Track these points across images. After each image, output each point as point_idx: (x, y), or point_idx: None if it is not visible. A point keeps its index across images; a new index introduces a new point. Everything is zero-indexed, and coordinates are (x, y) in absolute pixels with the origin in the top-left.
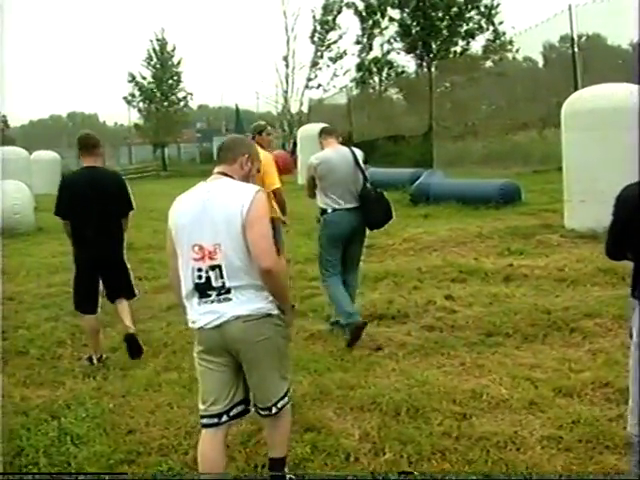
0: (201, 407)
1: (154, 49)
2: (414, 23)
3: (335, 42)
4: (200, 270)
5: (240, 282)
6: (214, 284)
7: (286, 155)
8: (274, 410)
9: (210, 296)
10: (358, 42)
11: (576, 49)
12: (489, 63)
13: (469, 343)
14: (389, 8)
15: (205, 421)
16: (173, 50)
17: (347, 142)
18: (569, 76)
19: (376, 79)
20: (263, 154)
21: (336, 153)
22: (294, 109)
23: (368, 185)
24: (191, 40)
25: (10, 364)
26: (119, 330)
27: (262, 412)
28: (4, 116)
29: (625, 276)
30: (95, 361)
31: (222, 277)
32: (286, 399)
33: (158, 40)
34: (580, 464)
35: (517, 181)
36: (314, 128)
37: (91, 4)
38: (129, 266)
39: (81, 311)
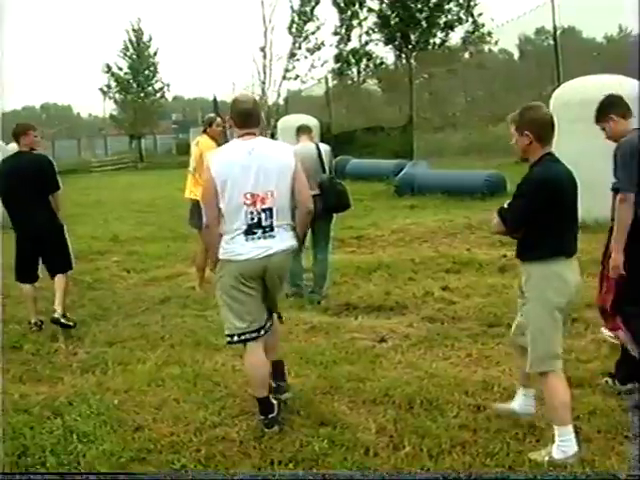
0: (241, 326)
1: (130, 39)
2: (393, 14)
3: (313, 33)
4: (252, 213)
5: (283, 222)
6: (263, 223)
7: None
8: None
9: (256, 233)
10: (336, 33)
11: (553, 42)
12: (468, 55)
13: (472, 334)
14: None
15: (248, 336)
16: (149, 41)
17: (325, 134)
18: (545, 68)
19: (354, 70)
20: (211, 145)
21: (303, 148)
22: (271, 100)
23: (325, 176)
24: (167, 31)
25: (3, 360)
26: (114, 323)
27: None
28: None
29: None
30: (33, 326)
31: (271, 217)
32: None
33: (134, 30)
34: (602, 455)
35: (500, 172)
36: (294, 120)
37: None
38: (68, 240)
39: (20, 281)
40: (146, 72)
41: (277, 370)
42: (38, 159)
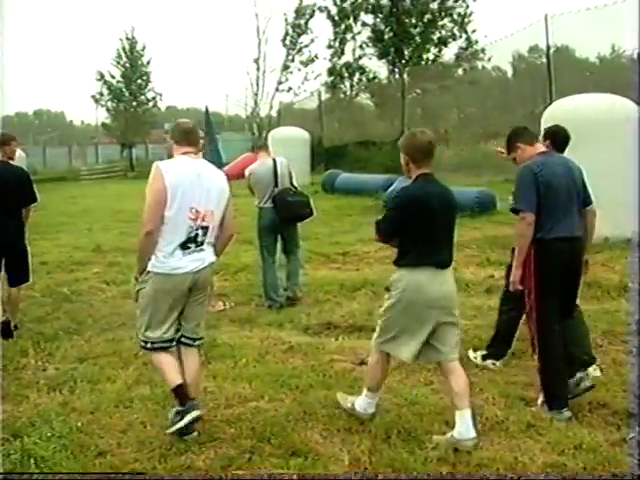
0: (153, 335)
1: (124, 48)
2: (387, 29)
3: (307, 46)
4: (192, 227)
5: (211, 239)
6: (198, 239)
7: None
8: (197, 342)
9: (190, 248)
10: (330, 46)
11: (546, 59)
12: (461, 71)
13: None
14: (362, 13)
15: (159, 345)
16: (143, 49)
17: (316, 147)
18: (538, 86)
19: (347, 84)
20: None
21: (260, 167)
22: (264, 112)
23: (277, 190)
24: (161, 40)
25: None
26: (87, 338)
27: (189, 341)
28: None
29: (610, 290)
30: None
31: (205, 235)
32: (199, 342)
33: (128, 39)
34: None
35: (490, 190)
36: (285, 132)
37: (60, 1)
38: (29, 251)
39: None
40: (139, 81)
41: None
42: (18, 171)
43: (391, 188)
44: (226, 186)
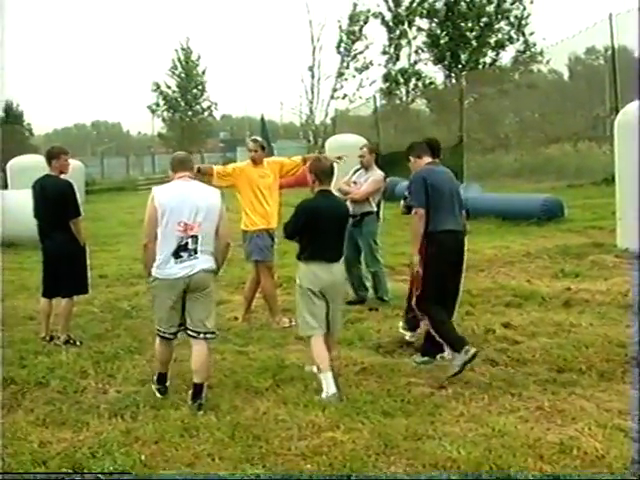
0: (163, 327)
1: (179, 58)
2: (443, 33)
3: (361, 52)
4: (182, 238)
5: (205, 248)
6: (189, 247)
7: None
8: (202, 336)
9: (183, 256)
10: (385, 52)
11: (604, 61)
12: (518, 75)
13: (540, 381)
14: (417, 18)
15: (166, 335)
16: (198, 59)
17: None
18: (595, 89)
19: (403, 90)
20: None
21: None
22: (319, 119)
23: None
24: (216, 49)
25: (28, 398)
26: (149, 358)
27: (193, 334)
28: (28, 124)
29: None
30: (43, 340)
31: (196, 243)
32: (209, 335)
33: (183, 49)
34: None
35: (556, 196)
36: (342, 139)
37: (117, 13)
38: (87, 264)
39: (42, 296)
40: (194, 91)
41: (195, 390)
42: (62, 186)
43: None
44: (216, 201)
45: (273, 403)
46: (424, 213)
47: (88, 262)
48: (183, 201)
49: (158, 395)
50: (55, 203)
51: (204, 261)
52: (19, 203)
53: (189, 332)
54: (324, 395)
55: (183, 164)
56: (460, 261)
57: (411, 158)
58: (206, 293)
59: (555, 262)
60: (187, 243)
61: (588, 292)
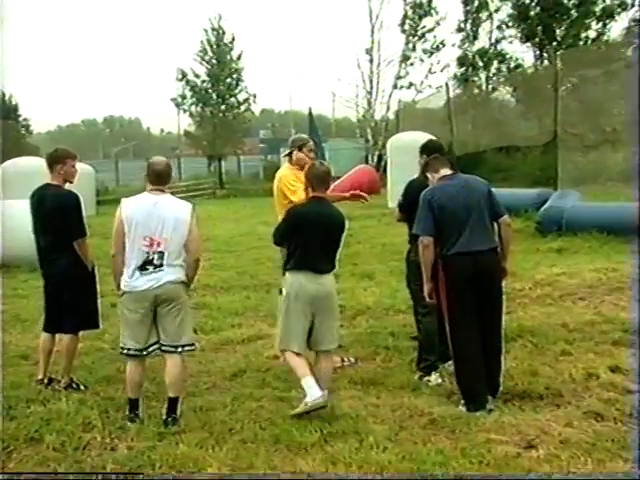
0: (129, 344)
1: (209, 40)
2: (532, 3)
3: (431, 30)
4: (147, 253)
5: (172, 262)
6: (155, 262)
7: (371, 171)
8: (179, 349)
9: (148, 269)
10: (460, 29)
11: None
12: (631, 52)
13: None
14: None
15: (132, 353)
16: (232, 42)
17: (450, 154)
18: None
19: (482, 76)
20: (294, 180)
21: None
22: (379, 114)
23: None
24: (253, 30)
25: (15, 458)
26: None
27: (169, 349)
28: (25, 120)
29: None
30: (38, 384)
31: (162, 259)
32: (187, 348)
33: (214, 30)
34: None
35: None
36: (407, 138)
37: None
38: (96, 292)
39: (43, 330)
40: (228, 80)
41: (170, 404)
42: (64, 198)
43: (546, 205)
44: (186, 216)
45: (320, 462)
46: (431, 241)
47: (98, 289)
48: (149, 215)
49: (129, 424)
50: (55, 220)
51: (170, 273)
52: (13, 216)
53: (164, 348)
54: (309, 400)
55: (160, 178)
56: (490, 287)
57: (428, 175)
58: (178, 305)
59: None
60: (153, 259)
61: None
